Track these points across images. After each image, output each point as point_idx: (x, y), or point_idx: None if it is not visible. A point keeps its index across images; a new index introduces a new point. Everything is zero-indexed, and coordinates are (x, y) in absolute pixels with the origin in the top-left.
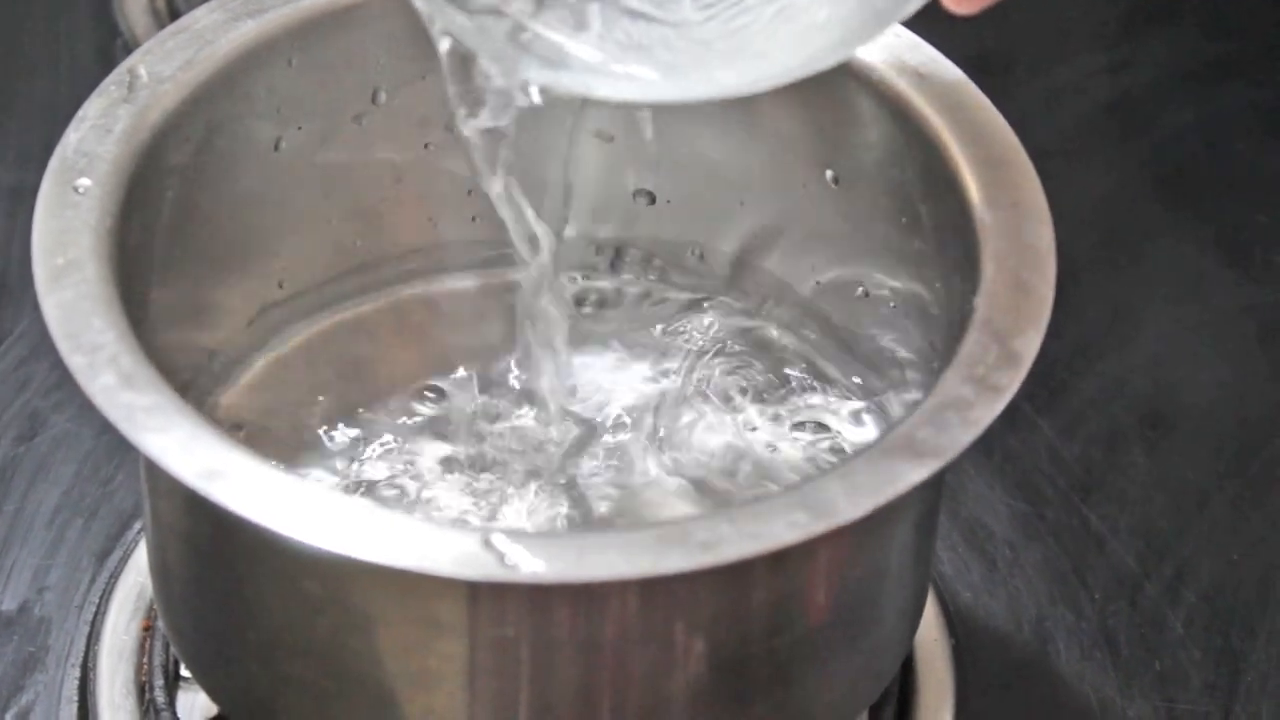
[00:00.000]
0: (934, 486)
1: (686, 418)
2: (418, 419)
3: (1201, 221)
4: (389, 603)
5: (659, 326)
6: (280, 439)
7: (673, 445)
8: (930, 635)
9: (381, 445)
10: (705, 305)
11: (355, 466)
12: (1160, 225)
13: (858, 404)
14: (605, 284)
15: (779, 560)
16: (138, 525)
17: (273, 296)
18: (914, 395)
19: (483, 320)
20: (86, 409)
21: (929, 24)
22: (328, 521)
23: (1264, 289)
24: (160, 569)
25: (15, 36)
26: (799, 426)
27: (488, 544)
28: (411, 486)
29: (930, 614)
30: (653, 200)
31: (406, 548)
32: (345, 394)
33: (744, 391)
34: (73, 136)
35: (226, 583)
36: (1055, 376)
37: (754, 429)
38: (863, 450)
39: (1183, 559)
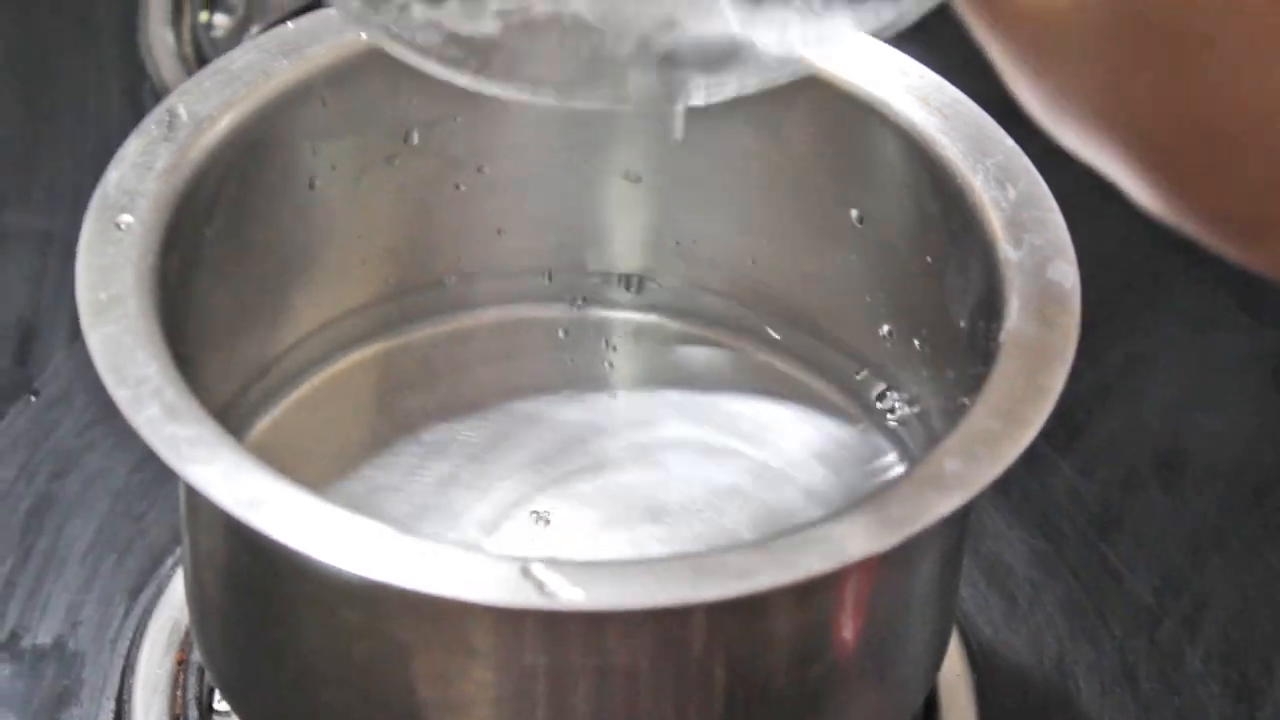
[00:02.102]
0: (960, 520)
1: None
2: (448, 453)
3: (1217, 265)
4: (427, 630)
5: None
6: (314, 469)
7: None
8: (953, 670)
9: (410, 478)
10: (728, 343)
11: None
12: (1176, 269)
13: (880, 438)
14: (627, 318)
15: (810, 590)
16: (170, 561)
17: (307, 330)
18: (938, 430)
19: (513, 357)
20: (118, 447)
21: (952, 67)
22: (367, 549)
23: (1279, 332)
24: (197, 598)
25: (43, 83)
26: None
27: (526, 572)
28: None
29: (953, 650)
30: (677, 240)
31: (445, 576)
32: (377, 427)
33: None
34: (114, 174)
35: (264, 611)
36: (1074, 418)
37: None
38: (892, 483)
39: (1200, 595)
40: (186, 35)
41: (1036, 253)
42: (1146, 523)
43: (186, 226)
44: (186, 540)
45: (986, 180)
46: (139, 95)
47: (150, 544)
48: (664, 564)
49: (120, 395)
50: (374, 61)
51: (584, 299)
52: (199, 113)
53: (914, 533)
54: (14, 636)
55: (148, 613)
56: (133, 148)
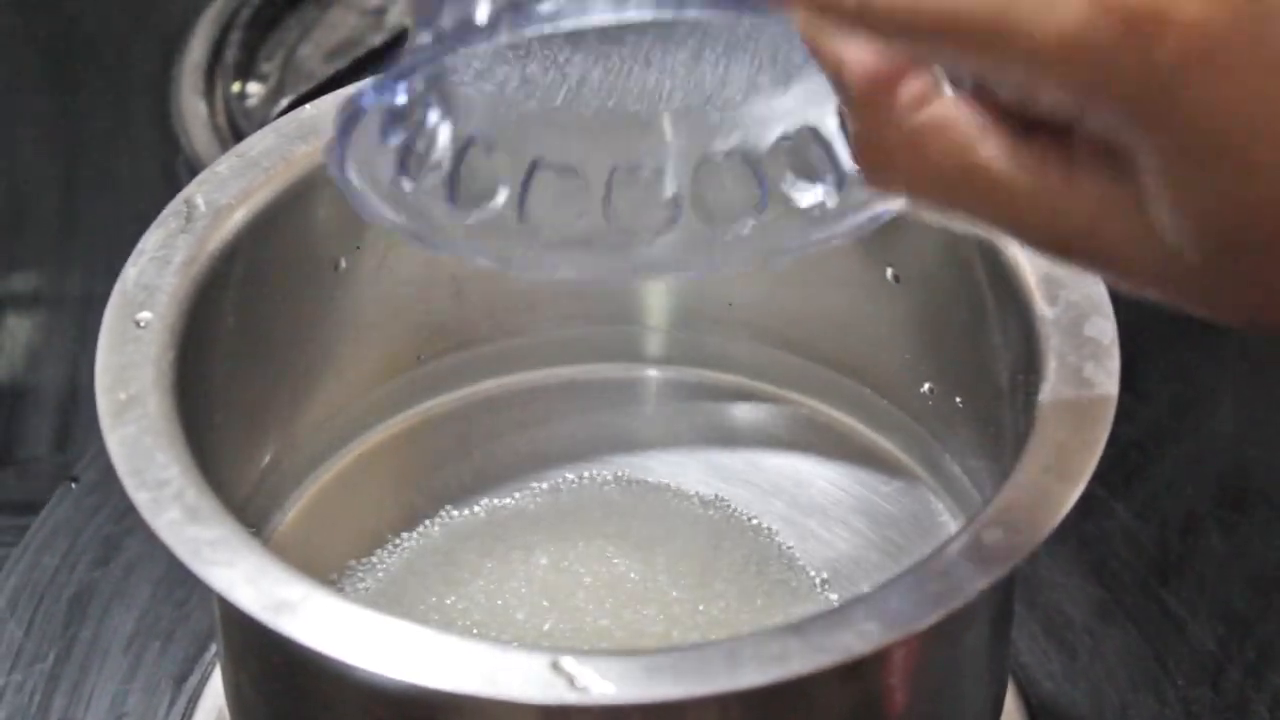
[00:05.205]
0: (1005, 584)
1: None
2: (485, 526)
3: None
4: None
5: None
6: (348, 549)
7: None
8: None
9: (448, 555)
10: (768, 398)
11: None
12: None
13: (928, 492)
14: (664, 376)
15: (851, 670)
16: (215, 647)
17: (336, 410)
18: (984, 486)
19: (548, 422)
20: None
21: None
22: (396, 650)
23: None
24: (235, 694)
25: (78, 153)
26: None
27: (556, 666)
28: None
29: (1011, 706)
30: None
31: (475, 673)
32: (412, 502)
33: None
34: (131, 270)
35: (300, 709)
36: (1129, 459)
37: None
38: (931, 555)
39: (1265, 641)
40: (219, 105)
41: (1073, 309)
42: (1207, 566)
43: (207, 319)
44: (220, 638)
45: None
46: (173, 167)
47: (194, 629)
48: (697, 652)
49: (140, 499)
50: None
51: (619, 358)
52: (217, 201)
53: (953, 609)
54: None
55: (193, 701)
56: (151, 241)
